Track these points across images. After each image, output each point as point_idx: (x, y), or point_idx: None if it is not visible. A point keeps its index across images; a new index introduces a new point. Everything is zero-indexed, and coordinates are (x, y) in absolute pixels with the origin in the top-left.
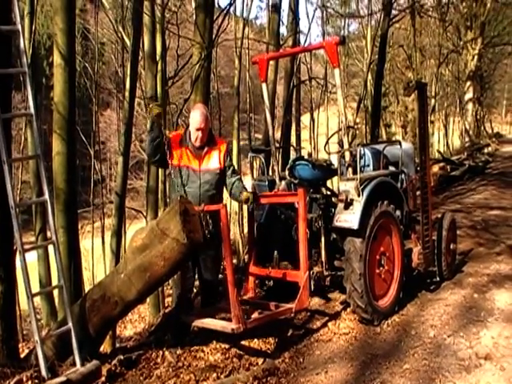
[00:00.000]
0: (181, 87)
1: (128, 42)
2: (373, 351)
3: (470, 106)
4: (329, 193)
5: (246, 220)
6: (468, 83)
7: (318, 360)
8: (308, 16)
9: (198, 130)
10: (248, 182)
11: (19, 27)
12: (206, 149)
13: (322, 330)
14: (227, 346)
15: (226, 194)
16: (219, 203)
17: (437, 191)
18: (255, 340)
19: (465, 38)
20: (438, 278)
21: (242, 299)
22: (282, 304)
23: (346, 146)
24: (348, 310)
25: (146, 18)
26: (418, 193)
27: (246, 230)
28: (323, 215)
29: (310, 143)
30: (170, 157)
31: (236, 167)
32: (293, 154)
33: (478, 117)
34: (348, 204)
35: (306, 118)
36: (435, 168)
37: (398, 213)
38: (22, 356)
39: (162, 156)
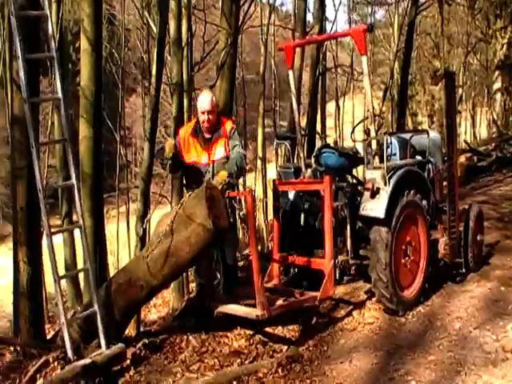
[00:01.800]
0: (206, 74)
1: (154, 28)
2: (397, 341)
3: (498, 96)
4: (355, 181)
5: (270, 207)
6: (496, 73)
7: (342, 349)
8: (334, 3)
9: (203, 113)
10: (273, 168)
11: (47, 12)
12: (213, 139)
13: (346, 318)
14: (251, 333)
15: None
16: (234, 188)
17: (463, 182)
18: (279, 327)
19: (494, 27)
20: (464, 270)
21: (267, 286)
22: (307, 292)
23: (372, 134)
24: (373, 299)
25: (172, 4)
26: (444, 183)
27: (270, 216)
28: (349, 204)
29: (335, 131)
30: (181, 154)
31: (260, 154)
32: (318, 142)
33: (507, 107)
34: (374, 193)
35: (331, 106)
36: (462, 158)
37: (424, 203)
38: (48, 337)
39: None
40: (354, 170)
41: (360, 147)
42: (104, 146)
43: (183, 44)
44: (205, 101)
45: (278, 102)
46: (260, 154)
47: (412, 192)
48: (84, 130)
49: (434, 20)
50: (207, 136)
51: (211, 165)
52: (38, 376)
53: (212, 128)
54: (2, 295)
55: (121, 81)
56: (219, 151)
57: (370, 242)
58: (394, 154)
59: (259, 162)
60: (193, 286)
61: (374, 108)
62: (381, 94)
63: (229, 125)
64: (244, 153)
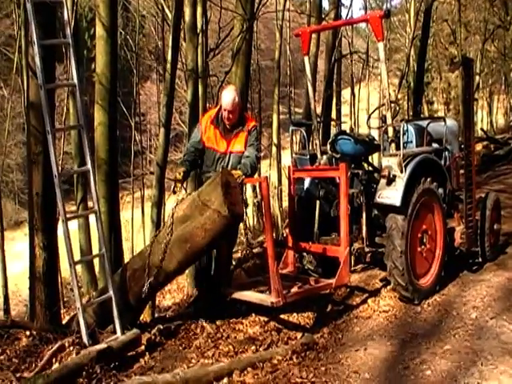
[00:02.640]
0: (221, 60)
1: (169, 14)
2: (413, 330)
3: None
4: (371, 168)
5: (285, 194)
6: None
7: (357, 336)
8: None
9: (225, 110)
10: (288, 155)
11: None
12: (234, 132)
13: (361, 306)
14: (266, 319)
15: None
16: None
17: (480, 170)
18: (294, 314)
19: None
20: (480, 259)
21: (282, 273)
22: (322, 279)
23: (389, 121)
24: (388, 287)
25: None
26: (461, 171)
27: (285, 203)
28: (365, 191)
29: (351, 118)
30: (202, 140)
31: (275, 141)
32: (333, 129)
33: None
34: (390, 180)
35: (346, 93)
36: (478, 147)
37: (440, 191)
38: (64, 322)
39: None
40: (370, 157)
41: (376, 134)
42: (119, 132)
43: (198, 30)
44: (227, 100)
45: (293, 88)
46: (275, 140)
47: (428, 180)
48: (99, 117)
49: (451, 6)
50: (228, 127)
51: (228, 155)
52: (53, 360)
53: (233, 123)
54: (19, 280)
55: (136, 67)
56: (238, 145)
57: (386, 229)
58: (411, 142)
59: (274, 149)
60: None
61: (390, 95)
62: (397, 80)
63: (252, 123)
64: (259, 155)
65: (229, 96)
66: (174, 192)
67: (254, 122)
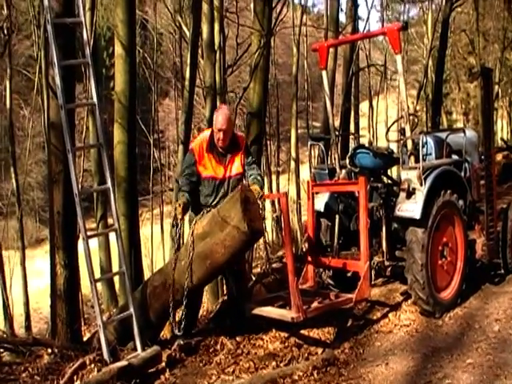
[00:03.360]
0: (239, 76)
1: (186, 32)
2: (434, 344)
3: None
4: (390, 182)
5: (304, 208)
6: None
7: (378, 351)
8: (367, 2)
9: (219, 130)
10: (306, 170)
11: (82, 19)
12: (229, 156)
13: (382, 320)
14: (286, 335)
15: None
16: None
17: (500, 181)
18: (314, 329)
19: None
20: (502, 271)
21: (302, 288)
22: (342, 294)
23: (407, 133)
24: (409, 301)
25: (205, 7)
26: (481, 182)
27: (304, 218)
28: (384, 204)
29: (369, 131)
30: (197, 170)
31: (294, 155)
32: (352, 142)
33: None
34: (410, 193)
35: (364, 106)
36: (499, 157)
37: (461, 203)
38: (85, 339)
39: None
40: (389, 171)
41: (395, 147)
42: (138, 150)
43: (216, 47)
44: (222, 119)
45: (311, 102)
46: (293, 155)
47: (448, 192)
48: (119, 135)
49: (469, 16)
50: (222, 152)
51: (227, 181)
52: (75, 378)
53: (227, 146)
54: (40, 298)
55: (154, 85)
56: (235, 167)
57: (406, 243)
58: (430, 154)
59: (292, 164)
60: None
61: (408, 107)
62: (415, 92)
63: (243, 140)
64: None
65: (223, 115)
66: (175, 225)
67: (245, 139)
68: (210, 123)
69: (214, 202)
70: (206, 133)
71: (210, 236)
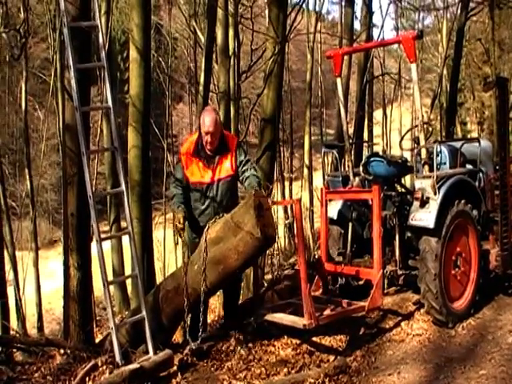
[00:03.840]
0: (253, 82)
1: (201, 37)
2: (447, 354)
3: None
4: (404, 190)
5: (317, 215)
6: None
7: (390, 360)
8: (381, 10)
9: (207, 133)
10: (319, 177)
11: (98, 22)
12: (217, 158)
13: (394, 329)
14: (298, 342)
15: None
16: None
17: None
18: (327, 337)
19: None
20: None
21: (314, 295)
22: (355, 302)
23: (422, 142)
24: (422, 310)
25: (220, 13)
26: (496, 192)
27: (317, 225)
28: (398, 213)
29: (383, 139)
30: (185, 176)
31: (307, 162)
32: (365, 150)
33: None
34: (424, 202)
35: (378, 114)
36: None
37: (475, 212)
38: (97, 341)
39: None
40: (403, 179)
41: (409, 156)
42: (151, 154)
43: (230, 53)
44: (209, 121)
45: (325, 109)
46: (307, 162)
47: (462, 202)
48: (133, 139)
49: (484, 25)
50: (210, 154)
51: (215, 184)
52: (87, 379)
53: (215, 148)
54: (53, 299)
55: (168, 89)
56: (225, 169)
57: (420, 252)
58: (444, 163)
59: (306, 171)
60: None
61: (422, 116)
62: (429, 101)
63: (233, 139)
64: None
65: (210, 117)
66: (177, 241)
67: (236, 139)
68: (224, 128)
69: (203, 207)
70: (194, 136)
71: (224, 241)
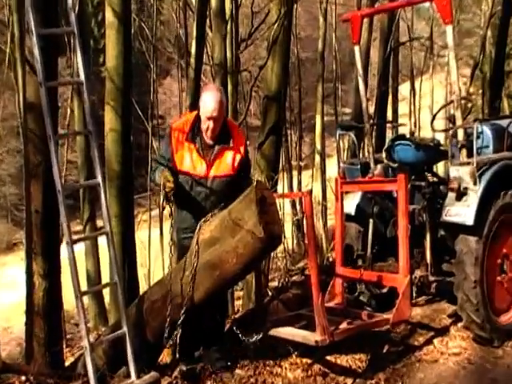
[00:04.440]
0: (254, 51)
1: None
2: (493, 377)
3: None
4: (436, 180)
5: (331, 211)
6: None
7: None
8: None
9: (209, 118)
10: (333, 165)
11: None
12: (216, 148)
13: (425, 347)
14: (309, 362)
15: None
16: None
17: None
18: (343, 356)
19: None
20: None
21: (328, 306)
22: (377, 314)
23: (458, 121)
24: (459, 324)
25: None
26: None
27: (330, 222)
28: (429, 207)
29: (410, 118)
30: (173, 159)
31: (319, 147)
32: (390, 132)
33: None
34: (461, 194)
35: (405, 88)
36: None
37: None
38: (67, 364)
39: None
40: (435, 167)
41: (442, 138)
42: (134, 139)
43: (227, 17)
44: (213, 104)
45: (340, 84)
46: (318, 147)
47: (509, 193)
48: (111, 120)
49: None
50: (209, 142)
51: (209, 180)
52: None
53: (217, 136)
54: (12, 314)
55: (153, 61)
56: (224, 166)
57: (456, 254)
58: (487, 146)
59: (317, 158)
60: (238, 304)
61: (460, 89)
62: (469, 71)
63: (240, 132)
64: None
65: (214, 98)
66: (167, 201)
67: (243, 131)
68: None
69: (193, 204)
70: (190, 116)
71: (220, 242)
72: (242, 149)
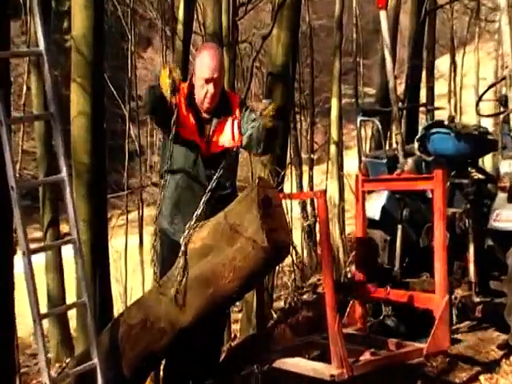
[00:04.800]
0: (256, 18)
1: None
2: None
3: None
4: (482, 176)
5: (350, 215)
6: None
7: None
8: None
9: (207, 81)
10: (353, 158)
11: None
12: (214, 121)
13: None
14: None
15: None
16: (231, 195)
17: None
18: None
19: None
20: None
21: (347, 332)
22: (407, 342)
23: (511, 105)
24: (511, 358)
25: None
26: None
27: (349, 229)
28: (472, 210)
29: (449, 101)
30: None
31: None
32: (423, 118)
33: None
34: None
35: (443, 63)
36: None
37: None
38: None
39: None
40: (480, 160)
41: (490, 125)
42: (106, 124)
43: None
44: (213, 62)
45: (362, 59)
46: (334, 136)
47: None
48: (78, 102)
49: None
50: (204, 116)
51: (202, 155)
52: None
53: (214, 107)
54: None
55: (131, 29)
56: (225, 139)
57: (507, 269)
58: None
59: (333, 149)
60: (236, 328)
61: None
62: None
63: (235, 96)
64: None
65: (214, 55)
66: (173, 93)
67: (238, 96)
68: None
69: (189, 177)
70: (185, 85)
71: (214, 253)
72: (236, 108)
